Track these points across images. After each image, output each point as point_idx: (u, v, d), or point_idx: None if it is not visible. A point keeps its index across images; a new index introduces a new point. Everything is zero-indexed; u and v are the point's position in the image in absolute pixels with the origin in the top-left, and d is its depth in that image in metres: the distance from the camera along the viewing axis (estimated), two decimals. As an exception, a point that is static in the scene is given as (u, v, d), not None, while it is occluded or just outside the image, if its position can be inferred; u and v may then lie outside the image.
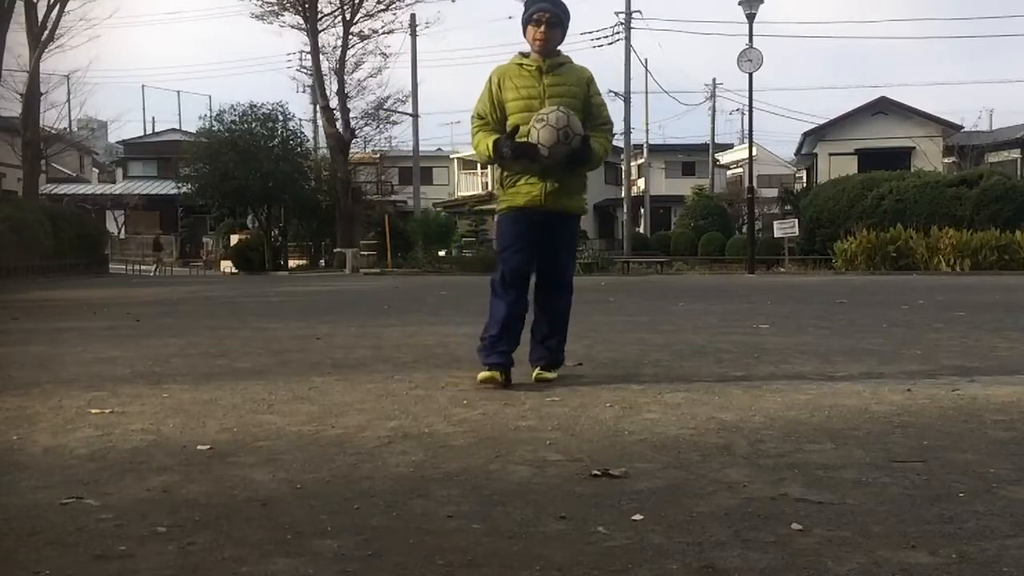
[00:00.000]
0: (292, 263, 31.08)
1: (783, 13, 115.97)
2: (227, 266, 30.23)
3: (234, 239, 30.57)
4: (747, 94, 22.97)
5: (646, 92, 44.48)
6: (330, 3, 29.74)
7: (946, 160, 32.56)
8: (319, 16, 29.46)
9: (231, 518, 2.22)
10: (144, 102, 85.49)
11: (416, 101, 33.60)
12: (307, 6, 29.06)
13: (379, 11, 29.88)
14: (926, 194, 23.28)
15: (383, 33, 30.28)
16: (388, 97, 31.70)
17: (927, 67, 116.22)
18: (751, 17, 22.41)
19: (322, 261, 31.02)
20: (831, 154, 33.80)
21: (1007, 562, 1.87)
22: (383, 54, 30.95)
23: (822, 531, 2.07)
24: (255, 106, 29.58)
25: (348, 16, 29.52)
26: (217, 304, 11.26)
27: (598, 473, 2.58)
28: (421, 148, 36.25)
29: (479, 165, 45.24)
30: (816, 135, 35.38)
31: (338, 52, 29.55)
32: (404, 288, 14.83)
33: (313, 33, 29.29)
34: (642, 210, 41.70)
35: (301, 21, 29.49)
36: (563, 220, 4.27)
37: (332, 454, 2.88)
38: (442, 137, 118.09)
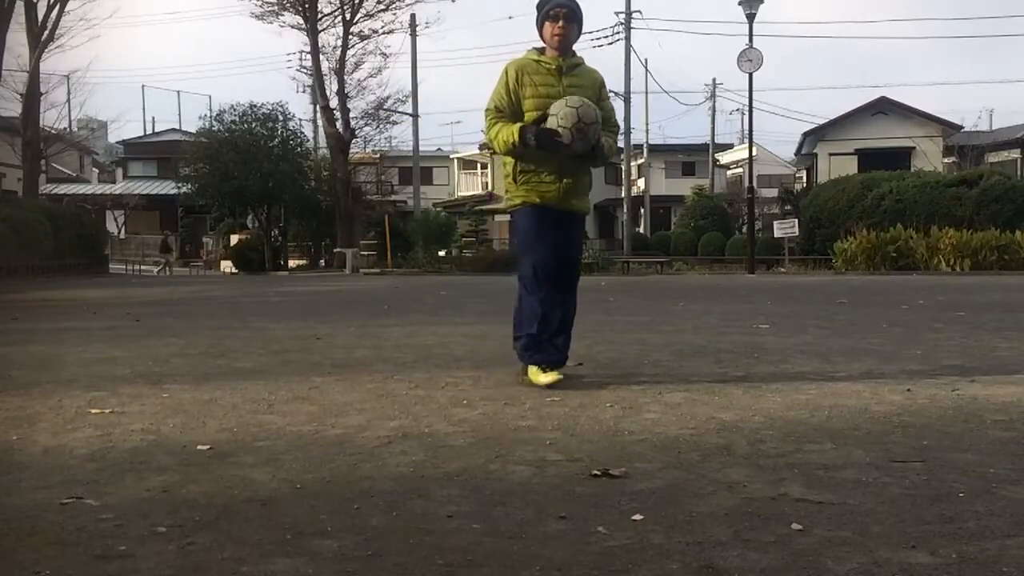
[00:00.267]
0: (292, 263, 31.08)
1: (783, 13, 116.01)
2: (227, 266, 30.23)
3: (234, 239, 30.56)
4: (747, 94, 23.00)
5: (646, 92, 44.53)
6: (330, 3, 29.78)
7: (946, 160, 32.57)
8: (319, 16, 29.47)
9: (231, 518, 2.22)
10: (144, 102, 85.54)
11: (416, 101, 33.67)
12: (307, 6, 29.06)
13: (379, 11, 29.93)
14: (926, 194, 23.29)
15: (383, 33, 30.32)
16: (388, 97, 31.76)
17: (927, 67, 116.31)
18: (751, 17, 22.42)
19: (322, 261, 31.02)
20: (831, 154, 33.82)
21: (1007, 562, 1.87)
22: (383, 54, 31.01)
23: (822, 531, 2.07)
24: (255, 106, 29.64)
25: (348, 16, 29.54)
26: (217, 304, 11.26)
27: (598, 473, 2.58)
28: (421, 148, 36.27)
29: (479, 165, 45.30)
30: (816, 135, 35.40)
31: (338, 52, 29.59)
32: (404, 288, 14.82)
33: (313, 33, 29.30)
34: (642, 210, 41.70)
35: (301, 21, 29.50)
36: (572, 219, 4.29)
37: (332, 454, 2.88)
38: (442, 137, 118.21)
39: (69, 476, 2.65)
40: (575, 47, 4.28)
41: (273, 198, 29.50)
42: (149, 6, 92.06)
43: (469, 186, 45.98)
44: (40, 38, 26.33)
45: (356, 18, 29.72)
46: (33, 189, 27.43)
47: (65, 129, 36.58)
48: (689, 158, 46.62)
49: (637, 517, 2.19)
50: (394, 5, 30.07)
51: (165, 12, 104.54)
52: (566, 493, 2.41)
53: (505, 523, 2.16)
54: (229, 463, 2.78)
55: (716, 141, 47.47)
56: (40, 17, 26.33)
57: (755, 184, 24.72)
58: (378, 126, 32.78)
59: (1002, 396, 3.78)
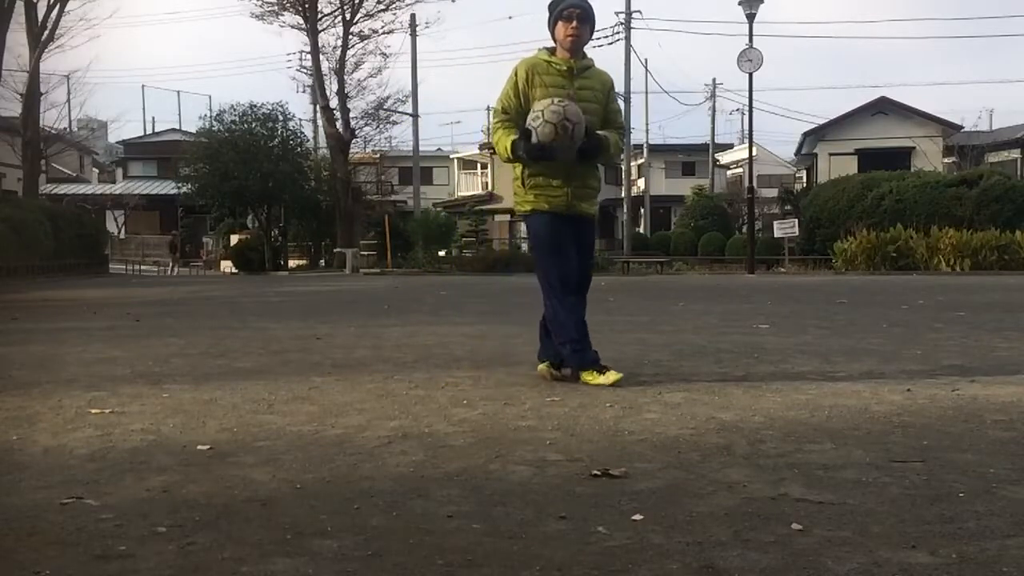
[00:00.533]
0: (292, 263, 31.08)
1: (783, 13, 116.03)
2: (227, 266, 30.24)
3: (234, 239, 30.57)
4: (747, 94, 23.02)
5: (646, 92, 44.59)
6: (330, 3, 29.79)
7: (946, 160, 32.57)
8: (319, 16, 29.47)
9: (231, 518, 2.22)
10: (144, 102, 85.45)
11: (416, 101, 33.65)
12: (307, 6, 29.06)
13: (379, 11, 29.94)
14: (926, 194, 23.29)
15: (383, 33, 30.33)
16: (388, 97, 31.75)
17: (927, 67, 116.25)
18: (751, 17, 22.43)
19: (322, 261, 31.02)
20: (831, 154, 33.82)
21: (1007, 562, 1.87)
22: (383, 54, 31.02)
23: (822, 531, 2.07)
24: (255, 106, 29.65)
25: (348, 16, 29.54)
26: (217, 304, 11.26)
27: (598, 473, 2.58)
28: (421, 148, 36.26)
29: (479, 165, 45.29)
30: (816, 135, 35.39)
31: (338, 52, 29.60)
32: (404, 288, 14.82)
33: (313, 33, 29.30)
34: (642, 210, 41.71)
35: (301, 21, 29.51)
36: (583, 223, 4.28)
37: (332, 454, 2.88)
38: (442, 137, 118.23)
39: (69, 476, 2.65)
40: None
41: (273, 198, 29.50)
42: (149, 6, 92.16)
43: (469, 186, 45.97)
44: (40, 38, 26.34)
45: (356, 18, 29.74)
46: (33, 189, 27.44)
47: (65, 129, 36.65)
48: (689, 158, 46.63)
49: (637, 517, 2.18)
50: (394, 5, 30.12)
51: (165, 12, 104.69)
52: (566, 493, 2.41)
53: (505, 523, 2.16)
54: (229, 463, 2.78)
55: (716, 141, 47.49)
56: (40, 17, 26.36)
57: (755, 184, 24.73)
58: (378, 126, 32.83)
59: (1002, 396, 3.78)
